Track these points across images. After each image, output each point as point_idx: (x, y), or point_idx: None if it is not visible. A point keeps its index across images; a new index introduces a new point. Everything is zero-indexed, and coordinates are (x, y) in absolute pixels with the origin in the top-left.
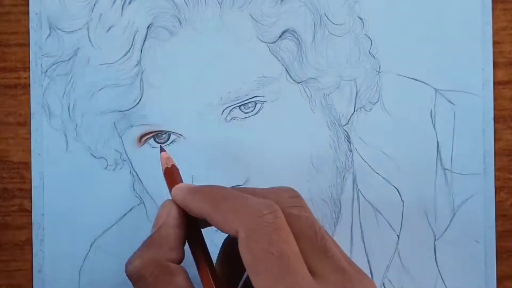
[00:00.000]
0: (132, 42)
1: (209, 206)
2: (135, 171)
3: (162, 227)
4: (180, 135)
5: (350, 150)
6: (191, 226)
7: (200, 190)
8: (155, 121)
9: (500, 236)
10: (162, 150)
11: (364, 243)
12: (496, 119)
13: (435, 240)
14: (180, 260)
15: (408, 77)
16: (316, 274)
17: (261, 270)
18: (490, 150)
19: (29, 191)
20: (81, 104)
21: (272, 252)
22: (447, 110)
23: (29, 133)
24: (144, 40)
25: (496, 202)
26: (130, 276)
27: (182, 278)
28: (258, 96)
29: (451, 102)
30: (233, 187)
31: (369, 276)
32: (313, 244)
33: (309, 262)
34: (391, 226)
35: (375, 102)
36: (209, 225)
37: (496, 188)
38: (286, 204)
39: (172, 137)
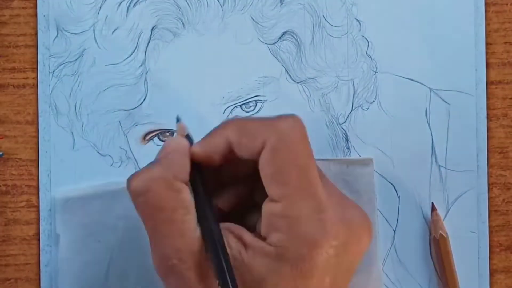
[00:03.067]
0: (137, 43)
1: (235, 131)
2: (139, 168)
3: (171, 153)
4: None
5: (348, 148)
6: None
7: (221, 125)
8: (159, 120)
9: (493, 231)
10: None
11: None
12: (488, 118)
13: (430, 235)
14: (186, 182)
15: (404, 77)
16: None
17: (283, 180)
18: (483, 148)
19: (37, 187)
20: (88, 103)
21: (297, 163)
22: (441, 109)
23: (37, 131)
24: (149, 42)
25: (489, 198)
26: (134, 189)
27: (187, 195)
28: (259, 95)
29: (445, 101)
30: None
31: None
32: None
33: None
34: (387, 221)
35: (372, 102)
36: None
37: (489, 185)
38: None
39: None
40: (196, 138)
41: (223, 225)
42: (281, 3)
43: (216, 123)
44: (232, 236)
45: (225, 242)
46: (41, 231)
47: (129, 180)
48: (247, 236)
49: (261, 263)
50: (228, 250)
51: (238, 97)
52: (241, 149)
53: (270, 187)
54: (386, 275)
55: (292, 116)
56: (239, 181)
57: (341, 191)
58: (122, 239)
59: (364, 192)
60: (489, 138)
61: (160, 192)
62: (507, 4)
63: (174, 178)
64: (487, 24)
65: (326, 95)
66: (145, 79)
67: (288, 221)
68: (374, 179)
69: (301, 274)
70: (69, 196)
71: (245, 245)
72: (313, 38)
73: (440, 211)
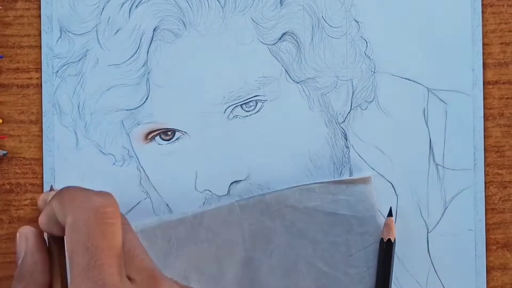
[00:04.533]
0: (139, 44)
1: (57, 202)
2: (141, 167)
3: (25, 256)
4: (185, 132)
5: (347, 147)
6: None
7: (55, 195)
8: (161, 119)
9: (489, 228)
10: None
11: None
12: (485, 117)
13: (427, 232)
14: (50, 281)
15: (402, 77)
16: (131, 279)
17: (74, 261)
18: (480, 147)
19: (41, 186)
20: (91, 103)
21: (87, 246)
22: (439, 108)
23: (41, 130)
24: (151, 42)
25: (485, 196)
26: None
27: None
28: (259, 95)
29: (443, 101)
30: (235, 182)
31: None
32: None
33: (126, 270)
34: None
35: (371, 101)
36: None
37: (485, 183)
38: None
39: (177, 134)
40: (198, 137)
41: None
42: (281, 4)
43: (217, 122)
44: None
45: None
46: None
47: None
48: None
49: None
50: None
51: (238, 96)
52: (50, 229)
53: (69, 267)
54: None
55: (100, 194)
56: None
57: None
58: None
59: (366, 210)
60: (485, 137)
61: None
62: (503, 6)
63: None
64: (483, 25)
65: (326, 94)
66: (147, 79)
67: None
68: (374, 196)
69: None
70: None
71: None
72: (312, 39)
73: (438, 209)
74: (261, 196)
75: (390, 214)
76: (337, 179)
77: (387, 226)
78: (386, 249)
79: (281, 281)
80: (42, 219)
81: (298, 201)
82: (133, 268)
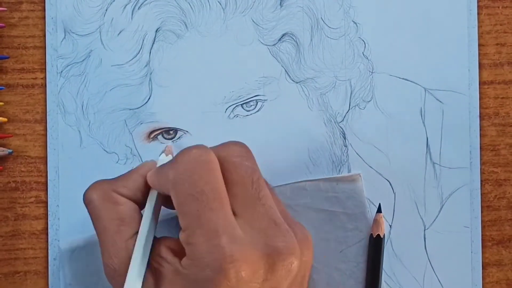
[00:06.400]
0: (142, 44)
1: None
2: None
3: (131, 172)
4: (187, 131)
5: (345, 145)
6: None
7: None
8: (163, 119)
9: (485, 225)
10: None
11: None
12: (481, 117)
13: (424, 229)
14: (132, 197)
15: (400, 77)
16: (243, 220)
17: (184, 211)
18: (476, 146)
19: (45, 184)
20: (94, 102)
21: (193, 193)
22: (435, 108)
23: (45, 129)
24: (153, 43)
25: (481, 194)
26: (84, 200)
27: (124, 208)
28: (259, 95)
29: (439, 101)
30: None
31: (306, 234)
32: (247, 191)
33: (239, 207)
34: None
35: (369, 101)
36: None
37: (481, 181)
38: (232, 153)
39: (179, 133)
40: (200, 136)
41: (162, 239)
42: (281, 6)
43: (218, 122)
44: (160, 250)
45: (154, 256)
46: (49, 226)
47: (84, 191)
48: (169, 253)
49: (179, 282)
50: (155, 263)
51: (239, 96)
52: (160, 187)
53: (179, 218)
54: (383, 268)
55: (196, 147)
56: None
57: (286, 215)
58: None
59: (356, 207)
60: (481, 136)
61: (99, 202)
62: (499, 7)
63: (113, 191)
64: (479, 26)
65: (324, 94)
66: (150, 79)
67: (191, 247)
68: (364, 193)
69: None
70: (75, 246)
71: (166, 261)
72: (311, 40)
73: (435, 207)
74: None
75: (379, 210)
76: (327, 176)
77: (376, 222)
78: (375, 245)
79: None
80: (151, 177)
81: (289, 198)
82: (256, 214)
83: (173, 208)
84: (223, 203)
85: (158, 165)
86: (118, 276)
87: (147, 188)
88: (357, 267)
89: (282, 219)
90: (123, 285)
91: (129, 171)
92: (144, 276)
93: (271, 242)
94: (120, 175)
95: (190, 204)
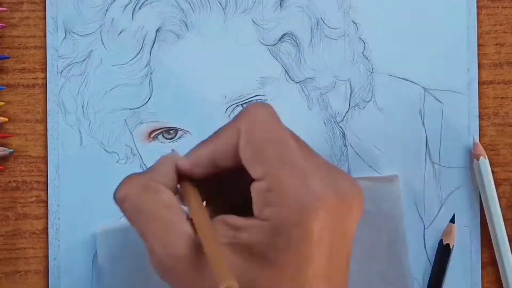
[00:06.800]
0: (142, 44)
1: (213, 136)
2: (144, 165)
3: (158, 165)
4: (187, 131)
5: (345, 145)
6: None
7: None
8: (164, 118)
9: (484, 225)
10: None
11: None
12: (480, 117)
13: (424, 228)
14: (169, 186)
15: (399, 77)
16: (310, 165)
17: (263, 158)
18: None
19: (46, 183)
20: (94, 102)
21: (273, 138)
22: (435, 108)
23: (46, 129)
24: (153, 43)
25: (480, 194)
26: (117, 198)
27: (168, 195)
28: (259, 95)
29: (438, 101)
30: None
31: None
32: (302, 144)
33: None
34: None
35: (368, 101)
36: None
37: None
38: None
39: (179, 133)
40: (200, 136)
41: (215, 219)
42: (281, 6)
43: (218, 121)
44: (224, 224)
45: (222, 233)
46: (49, 226)
47: (114, 192)
48: (238, 220)
49: (258, 240)
50: (224, 239)
51: (239, 96)
52: (225, 148)
53: (252, 169)
54: None
55: (258, 102)
56: (234, 189)
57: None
58: None
59: (392, 208)
60: (480, 136)
61: (138, 194)
62: (498, 7)
63: (151, 181)
64: (479, 27)
65: (324, 94)
66: (150, 79)
67: (276, 194)
68: (400, 195)
69: (299, 244)
70: (110, 228)
71: (238, 229)
72: (311, 40)
73: (434, 206)
74: None
75: (452, 220)
76: (363, 176)
77: (448, 232)
78: (443, 252)
79: None
80: (187, 159)
81: None
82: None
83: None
84: (300, 148)
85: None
86: (182, 265)
87: (177, 177)
88: (389, 268)
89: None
90: (184, 273)
91: (154, 165)
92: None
93: (340, 186)
94: (146, 169)
95: (271, 149)
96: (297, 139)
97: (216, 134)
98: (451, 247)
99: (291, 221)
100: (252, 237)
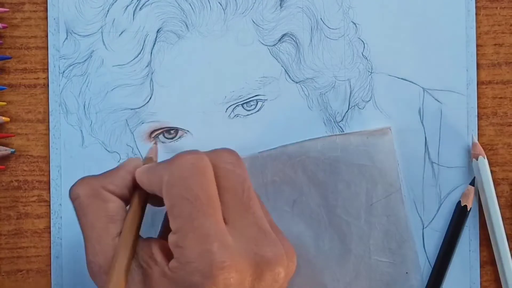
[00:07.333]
0: (143, 45)
1: (145, 172)
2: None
3: (118, 168)
4: (187, 131)
5: None
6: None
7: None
8: (164, 118)
9: (483, 224)
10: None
11: None
12: (479, 116)
13: (423, 228)
14: (119, 195)
15: (398, 77)
16: (234, 227)
17: (176, 213)
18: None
19: (48, 183)
20: (96, 102)
21: (187, 197)
22: (434, 108)
23: (48, 129)
24: (154, 43)
25: (479, 193)
26: (70, 195)
27: (113, 206)
28: (259, 95)
29: (438, 101)
30: None
31: (290, 247)
32: (238, 199)
33: (230, 215)
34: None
35: (368, 101)
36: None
37: None
38: (223, 159)
39: (180, 133)
40: (200, 136)
41: (150, 239)
42: (281, 7)
43: (218, 121)
44: (148, 248)
45: (142, 256)
46: (51, 225)
47: (71, 187)
48: (159, 255)
49: (165, 284)
50: (142, 261)
51: (239, 96)
52: (151, 186)
53: (170, 220)
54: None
55: (191, 152)
56: None
57: (273, 226)
58: None
59: (386, 160)
60: (479, 136)
61: (88, 198)
62: (497, 8)
63: (102, 188)
64: (477, 27)
65: (324, 94)
66: (151, 79)
67: (180, 251)
68: (394, 146)
69: None
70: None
71: (155, 262)
72: (311, 40)
73: (433, 206)
74: (283, 147)
75: (472, 183)
76: (358, 130)
77: (466, 194)
78: (459, 214)
79: (303, 231)
80: (140, 174)
81: (319, 152)
82: (245, 222)
83: (159, 206)
84: (215, 209)
85: (144, 164)
86: (103, 274)
87: (133, 185)
88: (387, 220)
89: (271, 229)
90: (105, 282)
91: (115, 168)
92: (131, 275)
93: (260, 251)
94: (107, 172)
95: (184, 207)
96: (232, 195)
97: (147, 167)
98: (468, 210)
99: (190, 282)
100: (160, 278)
